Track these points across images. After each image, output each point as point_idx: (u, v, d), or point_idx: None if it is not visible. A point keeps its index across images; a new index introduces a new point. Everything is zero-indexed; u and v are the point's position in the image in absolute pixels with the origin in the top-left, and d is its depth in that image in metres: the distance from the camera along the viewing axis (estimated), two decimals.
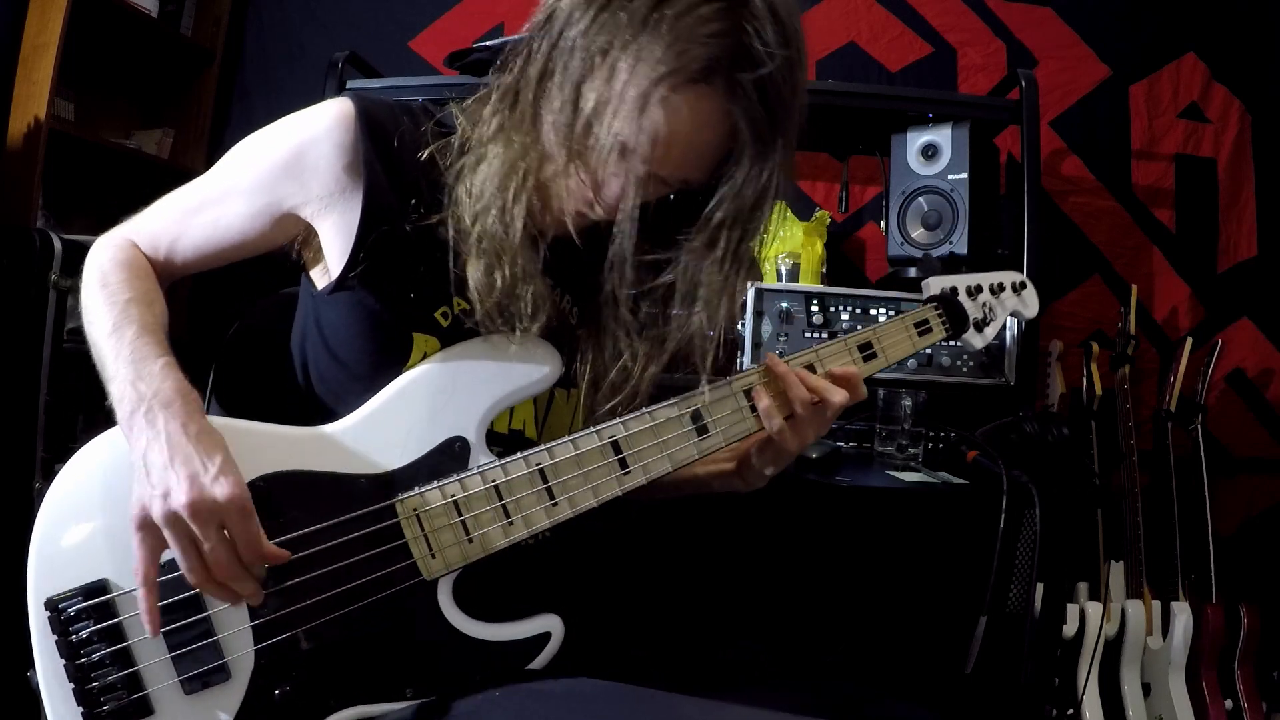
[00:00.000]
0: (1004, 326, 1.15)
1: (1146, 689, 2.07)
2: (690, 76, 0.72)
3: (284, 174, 0.83)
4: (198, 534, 0.69)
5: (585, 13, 0.74)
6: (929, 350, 1.72)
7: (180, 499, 0.68)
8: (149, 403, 0.72)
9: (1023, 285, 1.15)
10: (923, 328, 1.03)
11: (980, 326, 1.09)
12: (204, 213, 0.87)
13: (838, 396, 0.88)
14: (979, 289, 1.09)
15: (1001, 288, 1.12)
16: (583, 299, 0.92)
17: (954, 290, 1.08)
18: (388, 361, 0.84)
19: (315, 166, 0.82)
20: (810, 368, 0.92)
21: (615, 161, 0.76)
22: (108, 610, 0.74)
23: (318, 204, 0.84)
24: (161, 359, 0.76)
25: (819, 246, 1.98)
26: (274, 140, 0.85)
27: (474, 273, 0.80)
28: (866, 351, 0.98)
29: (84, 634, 0.74)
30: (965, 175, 1.77)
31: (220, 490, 0.69)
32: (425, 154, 0.83)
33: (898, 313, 1.15)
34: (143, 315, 0.79)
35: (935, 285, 1.08)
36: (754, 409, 0.88)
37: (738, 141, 0.78)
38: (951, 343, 1.08)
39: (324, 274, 0.88)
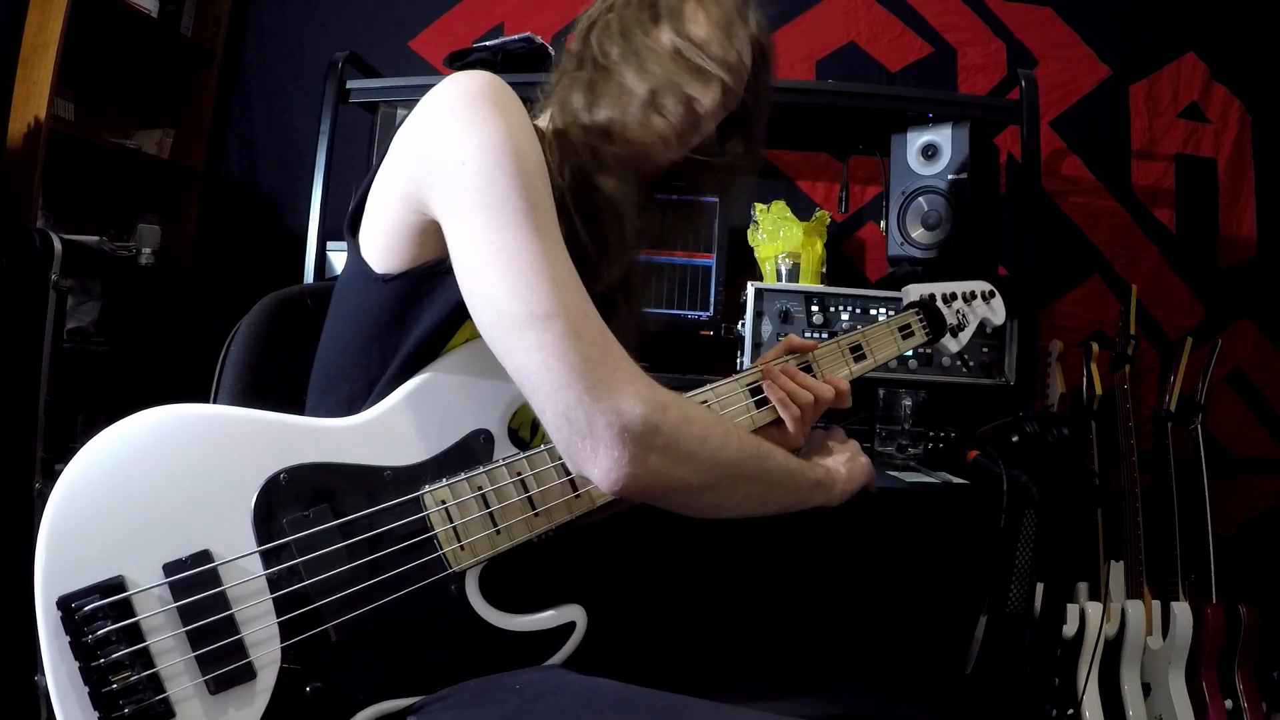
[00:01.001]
0: (975, 333, 1.23)
1: (1146, 689, 2.07)
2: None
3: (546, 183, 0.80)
4: None
5: None
6: (929, 351, 1.72)
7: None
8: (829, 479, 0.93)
9: (991, 294, 1.22)
10: (905, 331, 1.11)
11: (955, 332, 1.17)
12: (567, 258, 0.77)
13: (826, 392, 0.97)
14: (953, 296, 1.17)
15: (973, 295, 1.20)
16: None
17: (932, 297, 1.15)
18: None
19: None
20: (807, 367, 0.99)
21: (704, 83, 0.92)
22: (125, 608, 0.72)
23: None
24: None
25: (819, 246, 1.98)
26: (524, 153, 0.77)
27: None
28: (857, 352, 1.06)
29: (100, 634, 0.71)
30: (965, 175, 1.77)
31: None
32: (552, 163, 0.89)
33: (898, 313, 1.18)
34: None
35: (915, 292, 1.16)
36: (758, 405, 0.94)
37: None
38: (927, 348, 1.19)
39: (401, 256, 0.84)
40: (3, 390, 1.68)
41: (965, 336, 1.19)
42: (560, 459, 0.82)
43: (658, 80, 0.91)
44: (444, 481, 0.80)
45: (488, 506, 0.81)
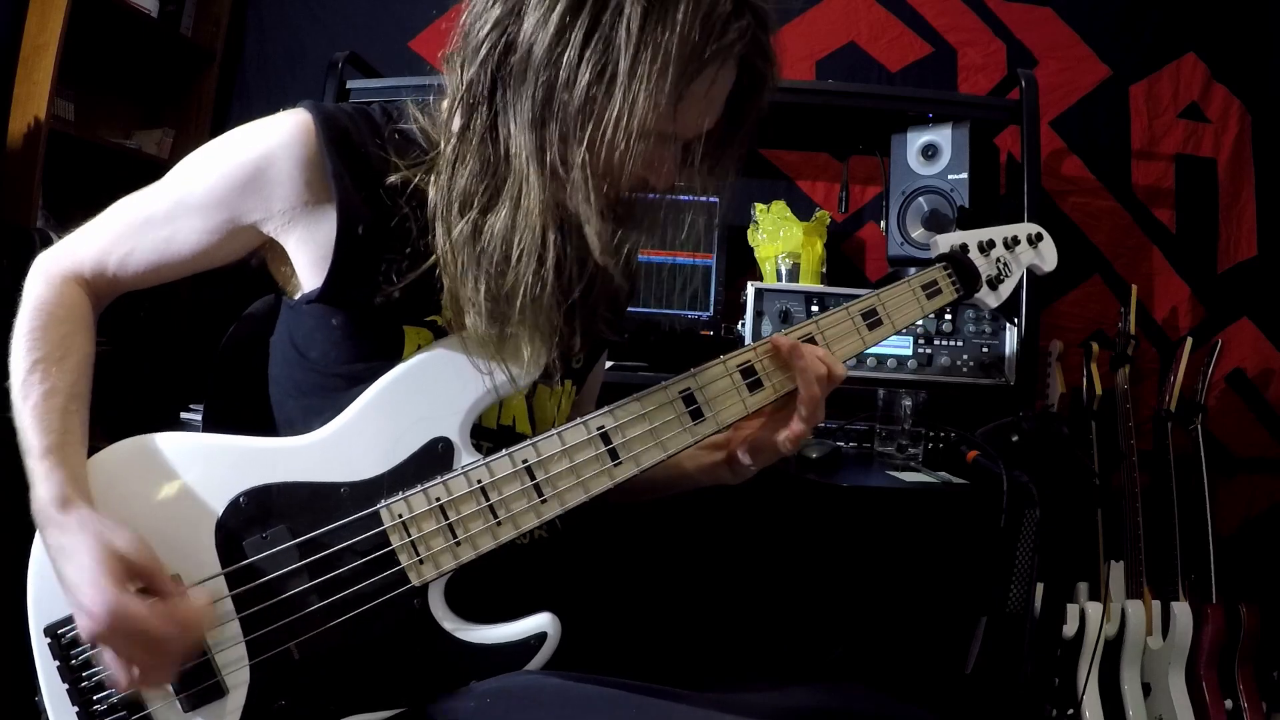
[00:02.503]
0: (1020, 283, 1.08)
1: (1146, 689, 2.07)
2: (715, 54, 0.74)
3: (244, 189, 0.82)
4: (115, 657, 0.70)
5: (568, 33, 0.72)
6: (929, 350, 1.72)
7: (80, 631, 0.70)
8: (41, 514, 0.73)
9: (1039, 237, 1.08)
10: (931, 289, 0.98)
11: (994, 284, 1.04)
12: (156, 228, 0.85)
13: (818, 369, 0.86)
14: (991, 244, 1.03)
15: (1016, 241, 1.06)
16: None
17: (964, 247, 1.02)
18: (381, 359, 0.84)
19: (277, 180, 0.81)
20: (810, 340, 0.90)
21: (651, 153, 0.78)
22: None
23: (280, 219, 0.83)
24: (37, 451, 0.75)
25: (819, 246, 1.98)
26: (230, 153, 0.83)
27: (479, 319, 0.80)
28: (871, 319, 0.94)
29: (83, 658, 0.75)
30: (965, 175, 1.77)
31: (92, 620, 0.68)
32: (400, 174, 0.82)
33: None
34: (45, 379, 0.78)
35: (944, 243, 1.03)
36: (750, 388, 0.87)
37: (755, 76, 0.82)
38: (965, 304, 1.04)
39: (296, 287, 0.87)
40: (3, 390, 1.68)
41: (1006, 289, 1.04)
42: (522, 464, 0.81)
43: (583, 210, 0.77)
44: (400, 495, 0.79)
45: (446, 518, 0.79)
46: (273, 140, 0.82)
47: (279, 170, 0.81)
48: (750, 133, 0.86)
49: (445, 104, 0.86)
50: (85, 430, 0.78)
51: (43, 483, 0.73)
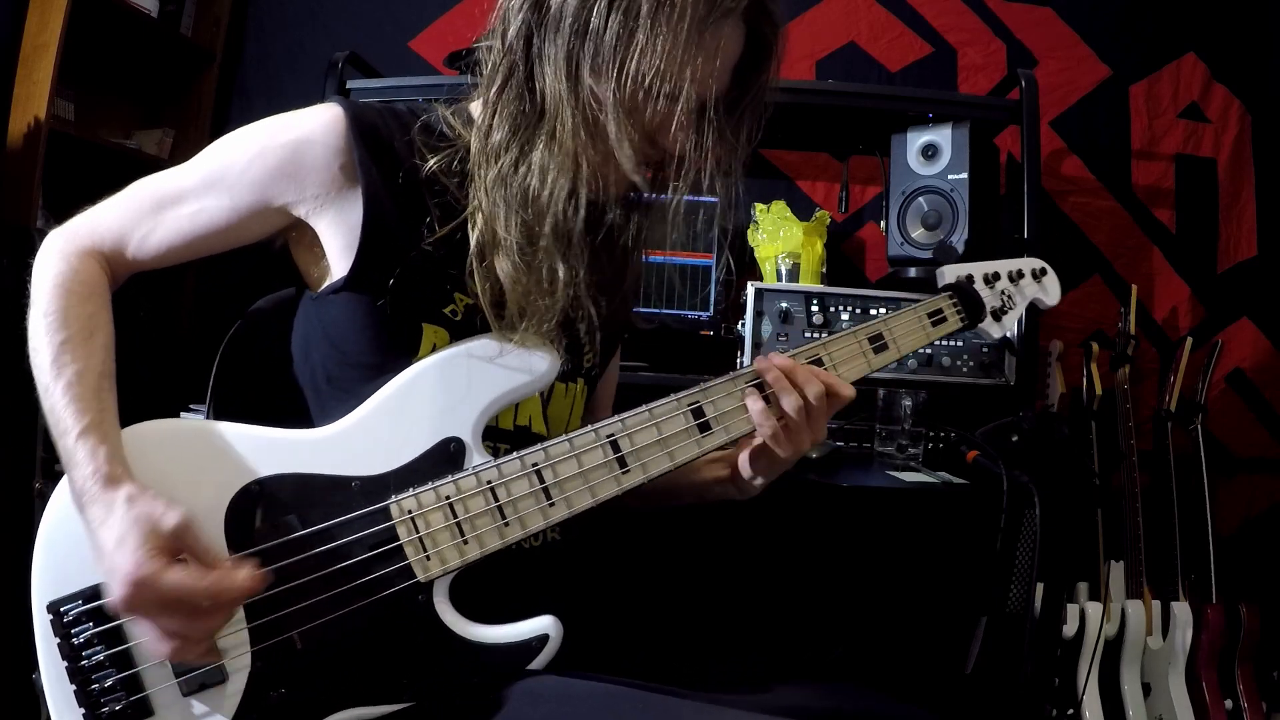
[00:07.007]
0: (1022, 315, 1.11)
1: (1146, 689, 2.07)
2: (725, 10, 0.81)
3: (278, 171, 0.84)
4: (150, 626, 0.70)
5: None
6: (929, 350, 1.72)
7: (113, 598, 0.69)
8: (83, 491, 0.72)
9: (1043, 272, 1.11)
10: (937, 318, 1.01)
11: (998, 315, 1.06)
12: (182, 206, 0.86)
13: (814, 389, 0.86)
14: (996, 276, 1.06)
15: (1020, 275, 1.08)
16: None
17: (970, 278, 1.05)
18: (397, 354, 0.85)
19: (312, 166, 0.83)
20: (818, 362, 0.91)
21: (668, 108, 0.82)
22: (107, 613, 0.75)
23: (313, 203, 0.85)
24: (75, 430, 0.74)
25: (819, 246, 1.98)
26: (266, 138, 0.85)
27: (510, 272, 0.82)
28: (877, 343, 0.95)
29: (84, 637, 0.75)
30: (965, 175, 1.77)
31: (126, 586, 0.67)
32: (432, 163, 0.85)
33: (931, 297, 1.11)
34: (75, 359, 0.78)
35: (950, 274, 1.06)
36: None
37: (761, 44, 0.87)
38: (968, 333, 1.07)
39: (324, 275, 0.88)
40: (3, 390, 1.68)
41: (1010, 320, 1.07)
42: (532, 467, 0.82)
43: (614, 136, 0.81)
44: (410, 491, 0.80)
45: (454, 516, 0.80)
46: (308, 127, 0.84)
47: (314, 155, 0.83)
48: (759, 109, 0.90)
49: (480, 86, 0.90)
50: (117, 408, 0.78)
51: (86, 461, 0.73)
